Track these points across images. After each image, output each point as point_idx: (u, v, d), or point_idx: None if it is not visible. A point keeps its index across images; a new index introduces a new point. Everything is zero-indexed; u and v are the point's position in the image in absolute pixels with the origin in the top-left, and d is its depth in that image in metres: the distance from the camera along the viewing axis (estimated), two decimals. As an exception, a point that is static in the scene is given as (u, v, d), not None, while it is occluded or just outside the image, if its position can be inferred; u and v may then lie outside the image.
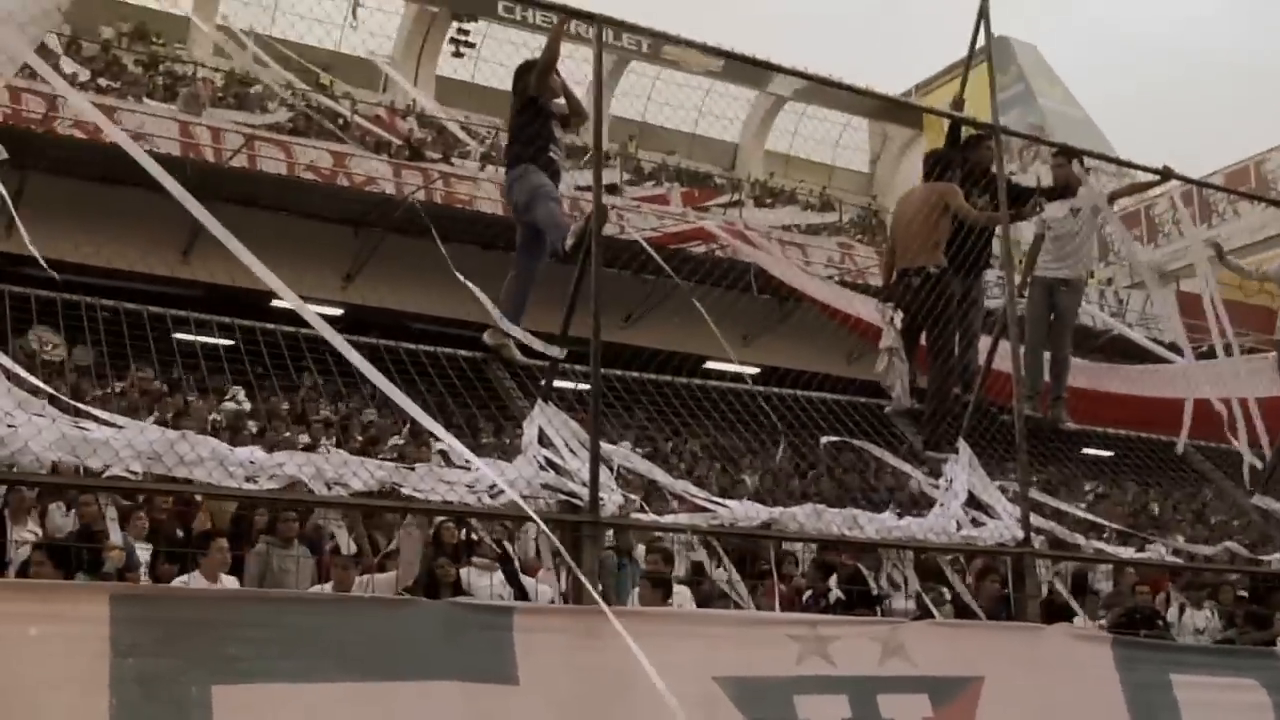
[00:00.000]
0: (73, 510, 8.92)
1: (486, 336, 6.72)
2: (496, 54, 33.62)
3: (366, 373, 5.37)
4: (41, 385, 5.50)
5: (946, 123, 8.81)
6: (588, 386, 9.83)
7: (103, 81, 23.37)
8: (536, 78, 6.87)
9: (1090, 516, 8.84)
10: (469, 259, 7.14)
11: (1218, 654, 7.87)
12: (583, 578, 4.86)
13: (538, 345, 6.28)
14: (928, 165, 8.08)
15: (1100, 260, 32.57)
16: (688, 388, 9.61)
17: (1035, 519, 7.08)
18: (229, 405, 15.05)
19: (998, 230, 7.57)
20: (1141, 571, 10.22)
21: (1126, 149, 8.31)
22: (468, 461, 5.37)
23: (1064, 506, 8.42)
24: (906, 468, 7.64)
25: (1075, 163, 8.69)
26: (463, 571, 9.58)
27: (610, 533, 7.60)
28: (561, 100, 7.17)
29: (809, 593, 10.54)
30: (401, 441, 12.78)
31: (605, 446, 6.00)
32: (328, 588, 7.84)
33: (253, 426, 13.65)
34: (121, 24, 31.17)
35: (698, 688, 5.47)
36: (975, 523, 6.78)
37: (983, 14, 7.40)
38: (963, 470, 7.01)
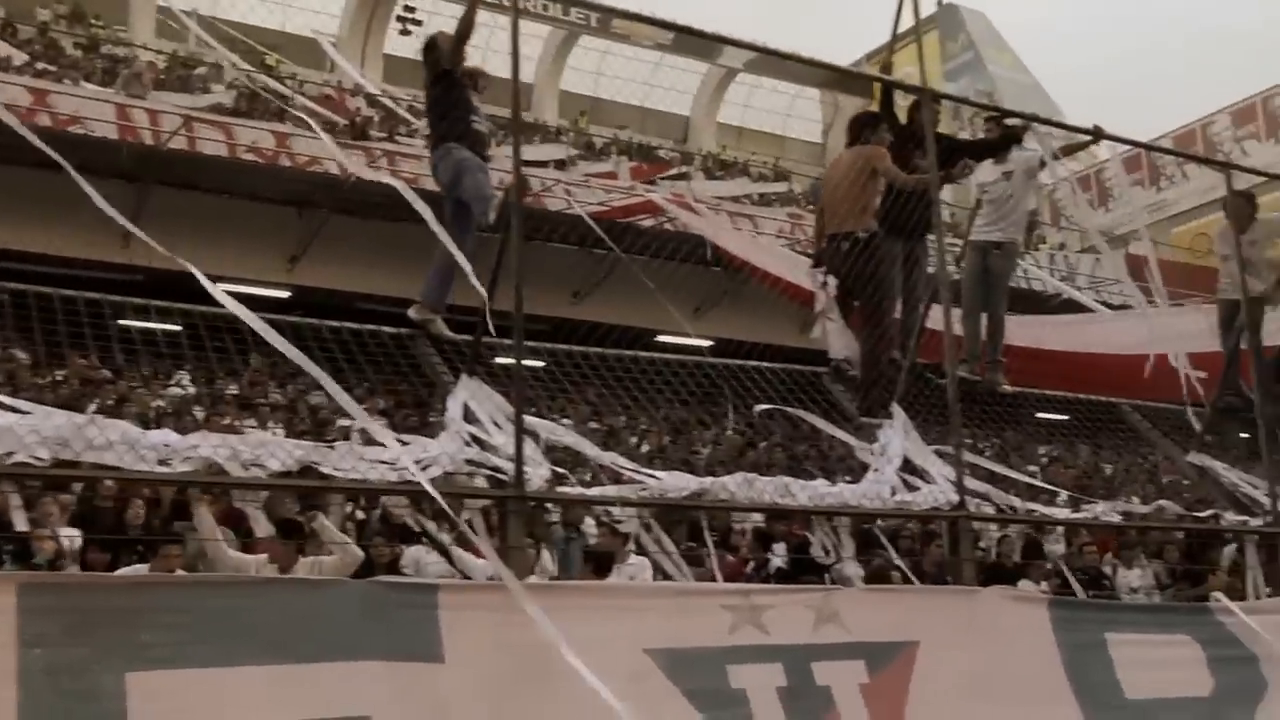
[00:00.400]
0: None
1: (412, 312, 6.64)
2: (441, 26, 33.31)
3: (284, 350, 5.29)
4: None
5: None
6: (539, 363, 9.80)
7: (41, 65, 22.98)
8: (452, 50, 6.76)
9: (1026, 479, 8.85)
10: (415, 237, 7.03)
11: (1152, 611, 7.94)
12: (489, 554, 4.77)
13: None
14: (853, 130, 8.03)
15: (1053, 225, 32.82)
16: (635, 361, 9.53)
17: (972, 483, 7.08)
18: (174, 391, 14.89)
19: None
20: (1093, 532, 10.31)
21: (1085, 117, 8.27)
22: (396, 438, 5.30)
23: (999, 469, 8.43)
24: (841, 434, 7.61)
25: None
26: (412, 550, 9.53)
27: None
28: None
29: (752, 563, 10.54)
30: (349, 423, 12.66)
31: (531, 420, 5.95)
32: (271, 569, 7.72)
33: (199, 413, 13.51)
34: (58, 5, 30.66)
35: (629, 660, 5.44)
36: (910, 487, 6.77)
37: (910, -23, 7.34)
38: (897, 435, 7.00)
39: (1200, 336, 9.28)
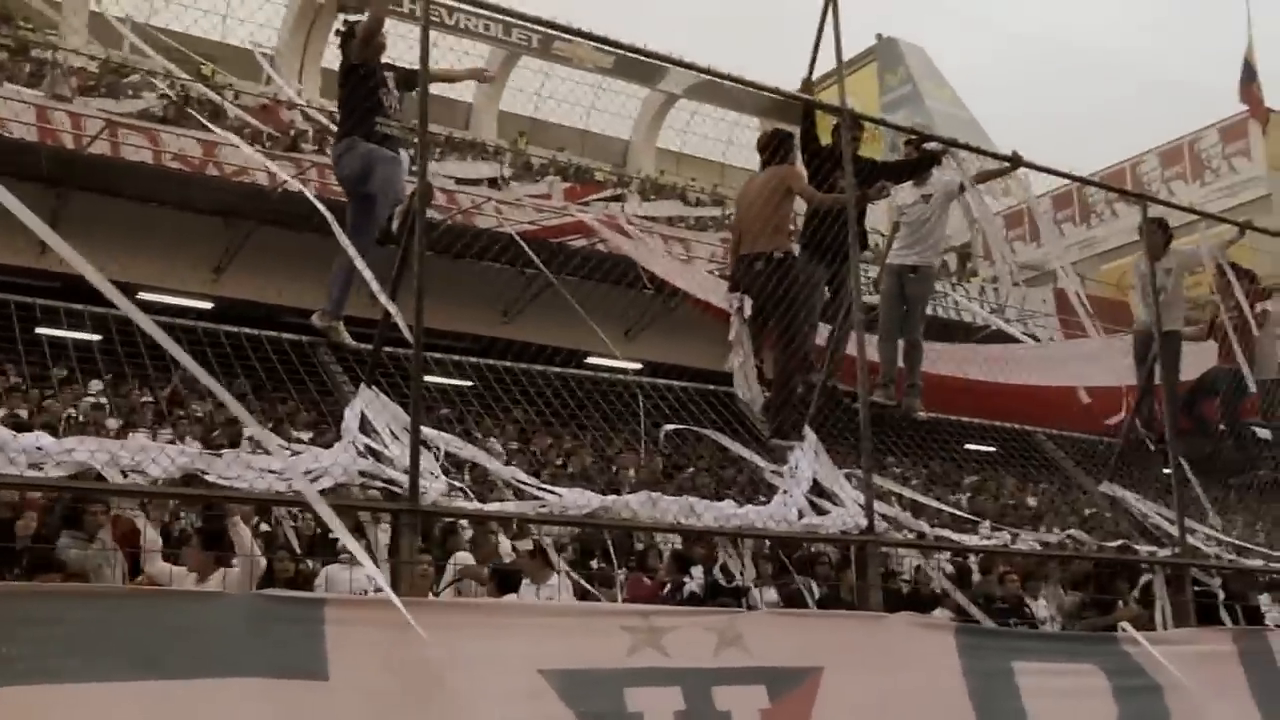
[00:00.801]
0: None
1: (315, 318, 6.47)
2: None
3: (179, 357, 5.10)
4: None
5: (820, 116, 8.70)
6: (468, 382, 9.64)
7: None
8: (358, 45, 6.63)
9: (934, 503, 8.83)
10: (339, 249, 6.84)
11: (1059, 640, 7.91)
12: (369, 566, 4.62)
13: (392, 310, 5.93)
14: (765, 151, 7.95)
15: (986, 259, 33.16)
16: (562, 380, 9.40)
17: (882, 507, 7.02)
18: (89, 400, 14.55)
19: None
20: (1011, 561, 10.32)
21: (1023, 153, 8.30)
22: (285, 448, 5.13)
23: (907, 493, 8.39)
24: (750, 455, 7.53)
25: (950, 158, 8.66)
26: (329, 568, 9.31)
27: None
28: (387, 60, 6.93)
29: (668, 585, 10.44)
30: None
31: (429, 432, 5.80)
32: (190, 578, 7.47)
33: (113, 423, 13.19)
34: (-14, 9, 30.09)
35: (523, 680, 5.29)
36: (819, 510, 6.69)
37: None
38: (808, 458, 6.92)
39: (1103, 367, 9.34)
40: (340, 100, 6.89)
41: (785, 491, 6.72)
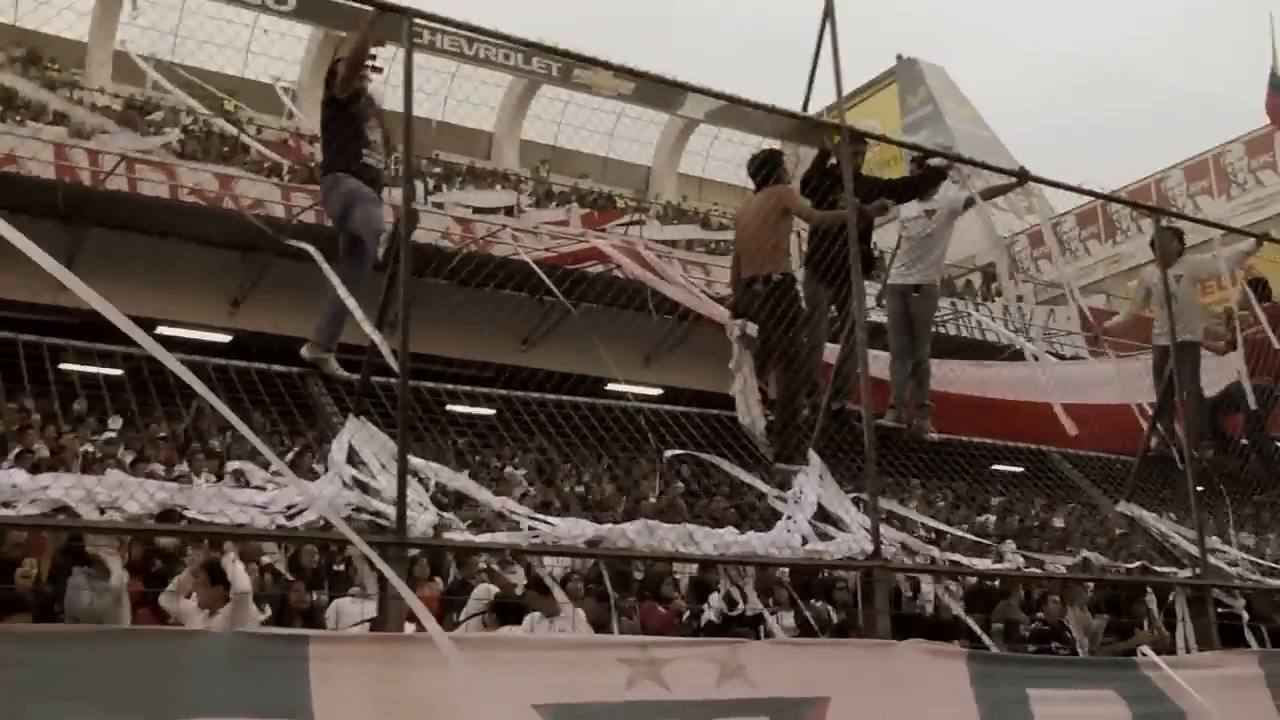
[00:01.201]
0: None
1: (305, 351, 6.39)
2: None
3: (197, 388, 5.01)
4: None
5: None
6: (489, 411, 9.54)
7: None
8: (343, 79, 6.56)
9: (945, 528, 8.63)
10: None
11: (1076, 666, 7.69)
12: (414, 603, 4.51)
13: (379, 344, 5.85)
14: (758, 174, 7.81)
15: (1012, 278, 32.89)
16: (575, 407, 9.27)
17: (889, 532, 6.84)
18: (107, 435, 14.55)
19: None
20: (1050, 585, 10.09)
21: (1045, 173, 8.16)
22: (266, 481, 5.03)
23: (916, 516, 8.21)
24: (754, 480, 7.37)
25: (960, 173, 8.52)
26: (339, 602, 9.22)
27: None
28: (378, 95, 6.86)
29: (686, 614, 10.30)
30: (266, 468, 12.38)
31: (418, 462, 5.69)
32: (200, 615, 7.39)
33: (127, 457, 13.19)
34: (14, 49, 30.47)
35: (517, 716, 5.15)
36: (823, 536, 6.53)
37: (828, 13, 7.18)
38: (812, 482, 6.76)
39: (1122, 387, 9.15)
40: (322, 136, 6.82)
41: (789, 517, 6.56)
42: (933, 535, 9.04)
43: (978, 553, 9.15)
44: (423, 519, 5.31)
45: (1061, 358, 19.81)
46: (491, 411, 9.55)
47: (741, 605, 8.04)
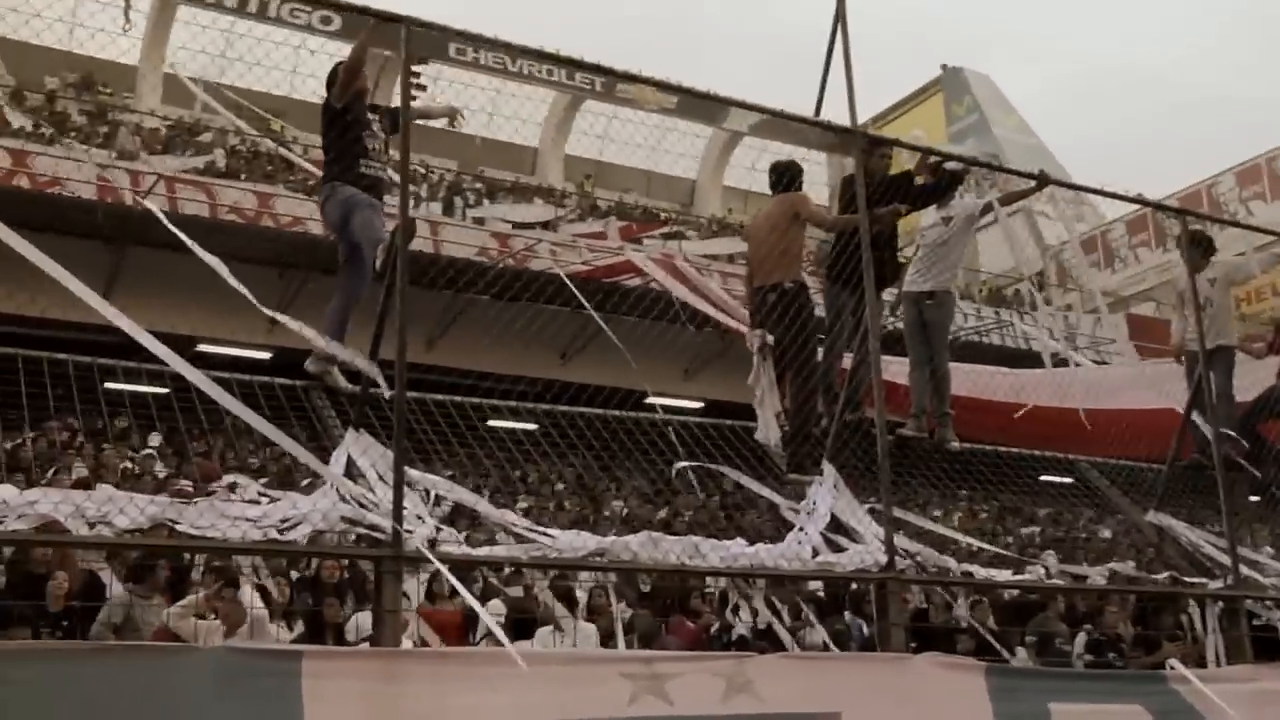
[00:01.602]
0: None
1: (308, 364, 6.38)
2: (448, 96, 33.50)
3: (226, 403, 5.03)
4: None
5: (897, 152, 8.55)
6: (531, 426, 9.50)
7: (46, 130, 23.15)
8: (339, 89, 6.55)
9: (958, 535, 8.45)
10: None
11: (1101, 679, 7.48)
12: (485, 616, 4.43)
13: (361, 364, 5.88)
14: (779, 183, 7.73)
15: (1059, 287, 32.50)
16: (604, 421, 9.21)
17: (902, 542, 6.70)
18: (147, 451, 14.69)
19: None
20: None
21: (1092, 179, 8.07)
22: (258, 496, 5.01)
23: (930, 526, 8.04)
24: (768, 492, 7.26)
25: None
26: (359, 615, 9.19)
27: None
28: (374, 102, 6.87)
29: (715, 628, 10.19)
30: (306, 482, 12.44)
31: (416, 474, 5.64)
32: (219, 631, 7.38)
33: (161, 471, 13.30)
34: (69, 74, 31.01)
35: (515, 732, 5.09)
36: (835, 547, 6.40)
37: (839, 17, 7.10)
38: (826, 493, 6.64)
39: (1159, 392, 8.93)
40: (323, 145, 6.83)
41: (800, 528, 6.44)
42: (973, 549, 8.89)
43: (1011, 565, 8.98)
44: (420, 532, 5.26)
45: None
46: (534, 426, 9.52)
47: (741, 618, 7.91)
